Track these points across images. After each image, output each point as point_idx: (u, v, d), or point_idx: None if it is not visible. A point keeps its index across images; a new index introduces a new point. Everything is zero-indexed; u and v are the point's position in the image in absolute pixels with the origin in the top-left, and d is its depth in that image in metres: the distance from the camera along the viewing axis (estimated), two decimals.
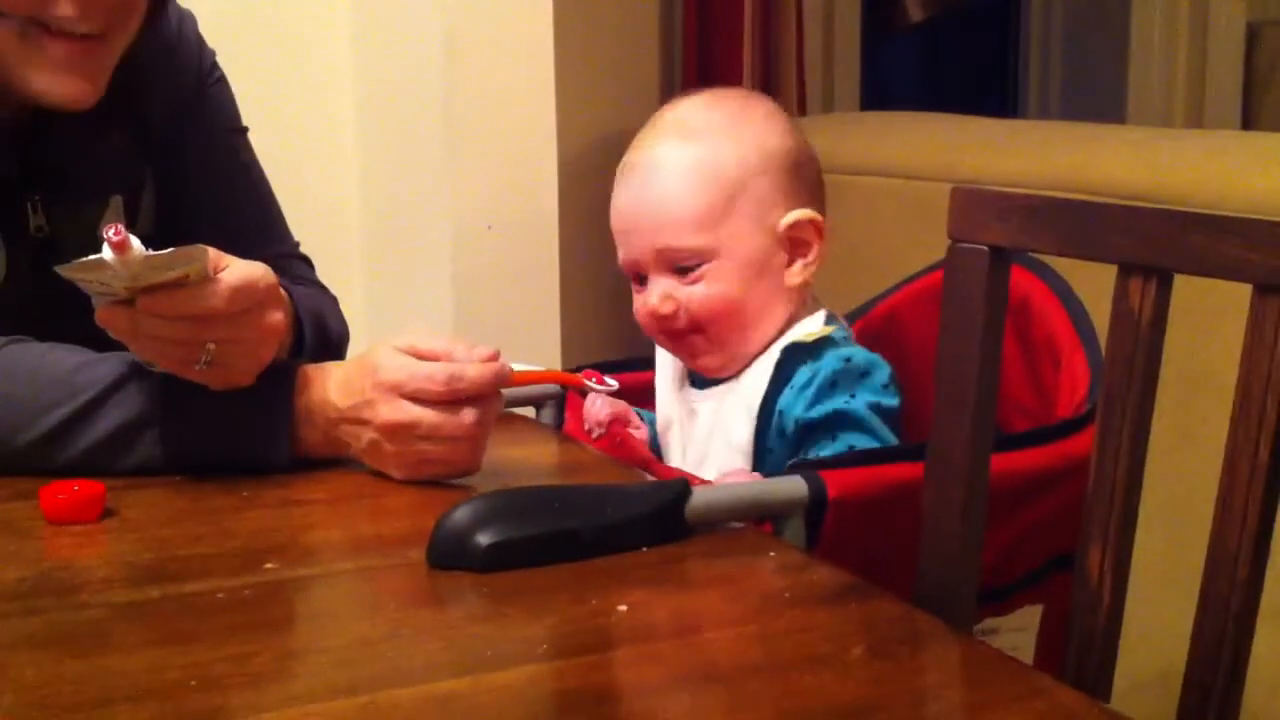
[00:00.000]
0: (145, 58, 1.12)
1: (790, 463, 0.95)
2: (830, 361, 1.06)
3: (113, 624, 0.74)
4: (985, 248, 0.88)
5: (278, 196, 1.29)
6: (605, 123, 2.48)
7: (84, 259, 0.90)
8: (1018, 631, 1.04)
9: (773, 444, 1.06)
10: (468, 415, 0.97)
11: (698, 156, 1.09)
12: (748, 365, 1.12)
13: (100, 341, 0.98)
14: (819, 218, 1.12)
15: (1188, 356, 1.45)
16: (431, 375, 0.97)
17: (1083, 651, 0.86)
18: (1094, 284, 0.99)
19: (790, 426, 1.05)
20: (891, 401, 1.06)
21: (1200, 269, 0.80)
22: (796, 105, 2.90)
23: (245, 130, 1.27)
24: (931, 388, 0.90)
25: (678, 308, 1.10)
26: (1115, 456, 0.85)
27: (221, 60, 1.25)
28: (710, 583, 0.83)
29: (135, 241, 0.89)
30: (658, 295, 1.10)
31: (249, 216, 1.25)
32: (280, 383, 1.00)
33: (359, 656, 0.69)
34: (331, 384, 1.01)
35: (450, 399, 0.97)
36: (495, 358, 0.98)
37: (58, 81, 1.04)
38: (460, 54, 1.92)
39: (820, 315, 1.13)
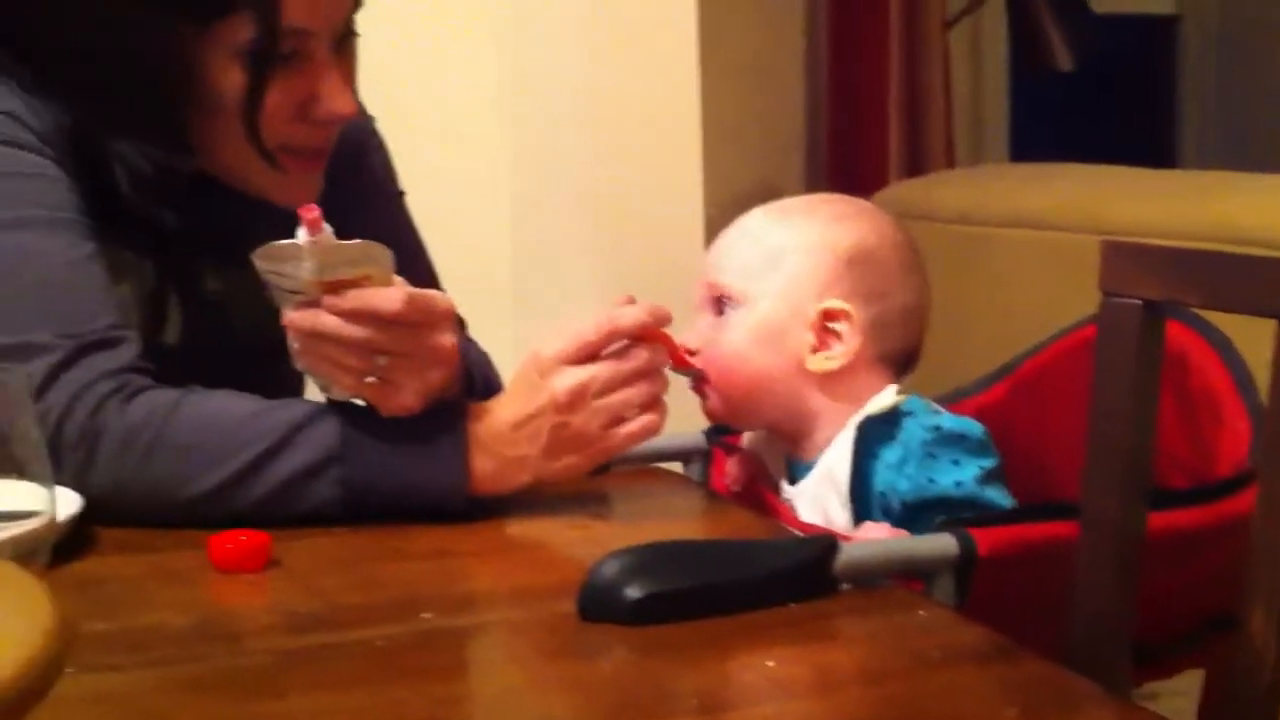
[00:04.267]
0: None
1: (940, 520, 0.94)
2: (917, 432, 1.04)
3: (275, 670, 0.77)
4: (1139, 302, 0.87)
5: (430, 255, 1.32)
6: (750, 175, 2.50)
7: (277, 243, 0.95)
8: (1178, 696, 1.01)
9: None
10: (639, 354, 1.01)
11: (765, 223, 1.16)
12: (822, 448, 1.10)
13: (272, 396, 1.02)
14: (852, 312, 1.10)
15: None
16: (590, 327, 1.00)
17: (1245, 716, 0.84)
18: (1251, 336, 0.96)
19: (895, 505, 1.04)
20: (992, 462, 1.04)
21: None
22: (945, 153, 2.88)
23: (403, 194, 1.30)
24: (1084, 444, 0.89)
25: (701, 347, 1.13)
26: (1277, 514, 0.82)
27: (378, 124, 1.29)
28: (857, 640, 0.83)
29: (327, 226, 0.95)
30: (695, 331, 1.14)
31: (409, 279, 1.28)
32: (453, 418, 1.01)
33: (508, 707, 0.71)
34: (497, 405, 1.03)
35: (612, 340, 1.00)
36: (632, 301, 1.02)
37: (298, 194, 1.07)
38: (607, 113, 1.96)
39: (891, 390, 1.11)
